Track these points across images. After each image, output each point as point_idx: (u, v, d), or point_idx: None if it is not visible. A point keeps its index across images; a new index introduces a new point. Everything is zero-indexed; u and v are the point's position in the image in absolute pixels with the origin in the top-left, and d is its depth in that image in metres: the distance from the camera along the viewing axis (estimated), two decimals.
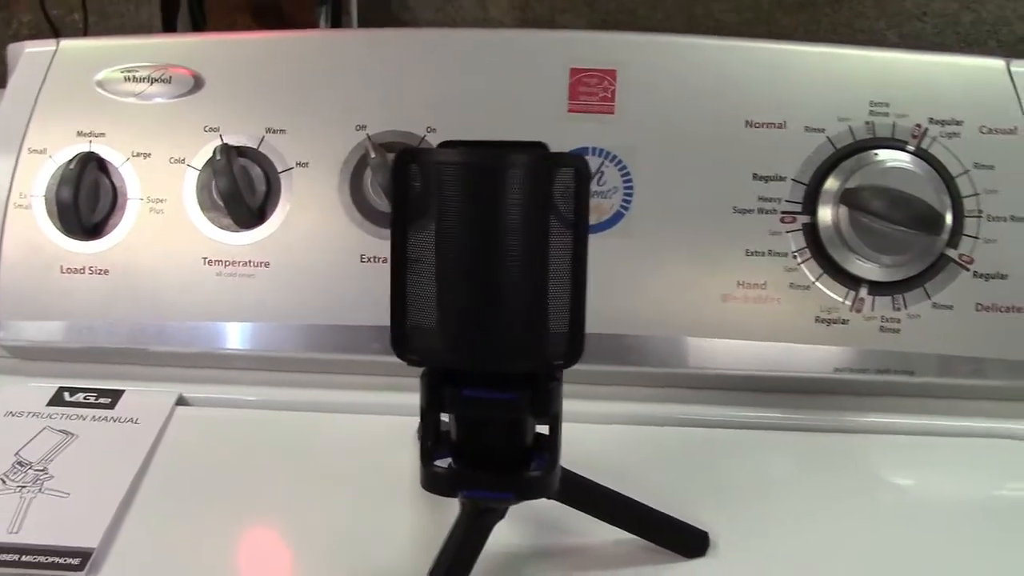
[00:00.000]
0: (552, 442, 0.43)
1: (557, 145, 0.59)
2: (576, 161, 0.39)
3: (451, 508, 0.47)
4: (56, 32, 0.86)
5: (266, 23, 0.85)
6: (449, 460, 0.43)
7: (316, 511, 0.53)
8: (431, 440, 0.42)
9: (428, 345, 0.41)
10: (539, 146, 0.41)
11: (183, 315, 0.62)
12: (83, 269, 0.63)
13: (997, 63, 0.62)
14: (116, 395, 0.61)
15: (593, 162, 0.61)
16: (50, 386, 0.62)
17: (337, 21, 0.85)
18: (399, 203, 0.40)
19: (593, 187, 0.61)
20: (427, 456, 0.42)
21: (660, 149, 0.62)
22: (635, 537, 0.50)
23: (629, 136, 0.62)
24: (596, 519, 0.49)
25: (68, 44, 0.66)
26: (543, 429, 0.44)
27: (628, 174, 0.62)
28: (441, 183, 0.40)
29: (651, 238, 0.61)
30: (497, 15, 0.89)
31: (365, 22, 0.87)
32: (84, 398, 0.61)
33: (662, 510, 0.50)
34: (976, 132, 0.61)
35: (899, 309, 0.60)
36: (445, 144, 0.40)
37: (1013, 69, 0.62)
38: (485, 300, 0.40)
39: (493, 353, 0.40)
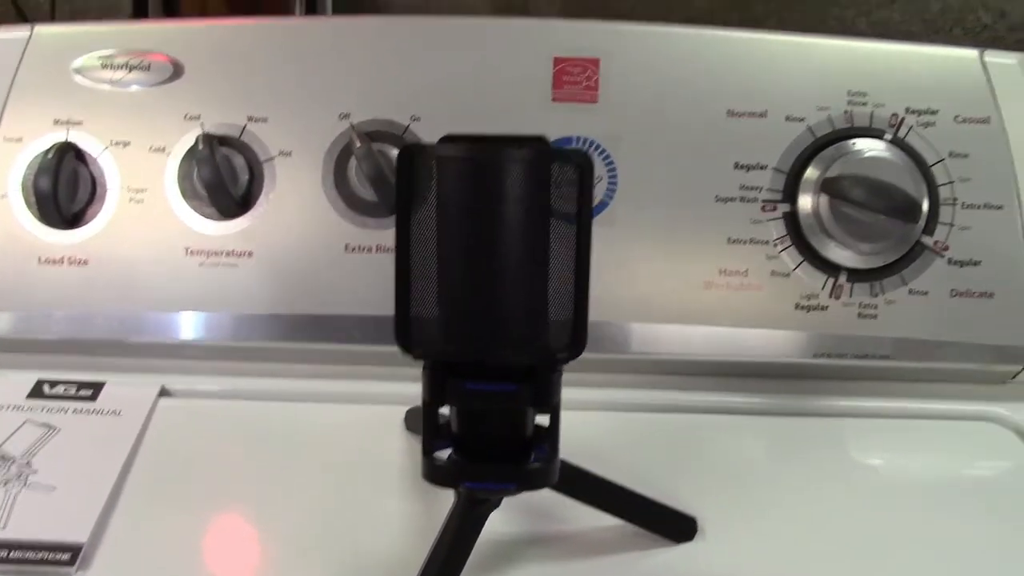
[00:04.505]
0: (552, 433, 0.43)
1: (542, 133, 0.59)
2: (577, 156, 0.39)
3: (440, 495, 0.47)
4: (23, 14, 0.84)
5: (238, 5, 0.84)
6: (449, 451, 0.43)
7: (304, 501, 0.53)
8: (432, 432, 0.43)
9: (431, 338, 0.41)
10: (540, 140, 0.41)
11: (165, 306, 0.62)
12: (62, 260, 0.62)
13: (971, 53, 0.64)
14: (97, 387, 0.61)
15: None
16: (29, 378, 0.61)
17: (312, 5, 0.84)
18: (402, 198, 0.40)
19: None
20: (428, 448, 0.43)
21: (643, 138, 0.62)
22: (624, 523, 0.51)
23: (613, 125, 0.62)
24: (585, 505, 0.50)
25: (43, 30, 0.64)
26: (542, 419, 0.44)
27: (612, 163, 0.62)
28: (442, 178, 0.40)
29: (634, 226, 0.62)
30: (471, 0, 0.89)
31: (340, 6, 0.87)
32: (64, 390, 0.61)
33: (647, 496, 0.51)
34: (951, 121, 0.62)
35: (877, 295, 0.61)
36: (446, 138, 0.41)
37: (986, 60, 0.63)
38: (487, 293, 0.40)
39: (495, 345, 0.41)
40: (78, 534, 0.50)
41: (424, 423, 0.43)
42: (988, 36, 0.88)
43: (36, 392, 0.60)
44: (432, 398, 0.42)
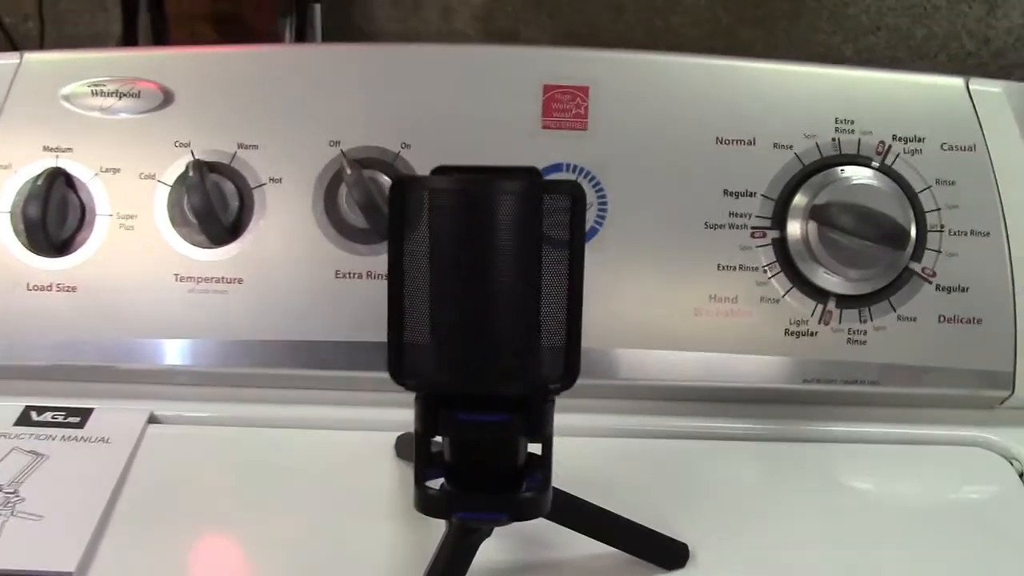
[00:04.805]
0: (545, 462, 0.43)
1: (532, 161, 0.60)
2: (570, 187, 0.40)
3: (432, 521, 0.47)
4: (12, 41, 0.84)
5: (227, 32, 0.84)
6: (442, 481, 0.43)
7: (294, 528, 0.53)
8: (424, 462, 0.43)
9: (424, 370, 0.41)
10: (532, 172, 0.41)
11: (154, 332, 0.62)
12: (51, 286, 0.62)
13: (956, 81, 0.64)
14: (86, 414, 0.61)
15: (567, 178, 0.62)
16: (16, 405, 0.61)
17: (301, 32, 0.84)
18: (395, 230, 0.40)
19: None
20: (421, 478, 0.43)
21: (633, 165, 0.62)
22: (616, 550, 0.51)
23: (602, 152, 0.62)
24: (577, 533, 0.50)
25: (32, 57, 0.64)
26: (534, 447, 0.44)
27: (602, 190, 0.62)
28: (435, 210, 0.40)
29: (625, 253, 0.62)
30: (461, 27, 0.90)
31: (329, 33, 0.87)
32: (52, 417, 0.60)
33: (638, 522, 0.51)
34: (937, 149, 0.63)
35: (865, 321, 0.62)
36: (439, 170, 0.41)
37: (972, 87, 0.64)
38: (480, 324, 0.40)
39: (488, 372, 0.41)
40: (66, 563, 0.50)
41: (416, 453, 0.43)
42: (973, 63, 0.89)
43: (24, 419, 0.60)
44: (425, 428, 0.42)
